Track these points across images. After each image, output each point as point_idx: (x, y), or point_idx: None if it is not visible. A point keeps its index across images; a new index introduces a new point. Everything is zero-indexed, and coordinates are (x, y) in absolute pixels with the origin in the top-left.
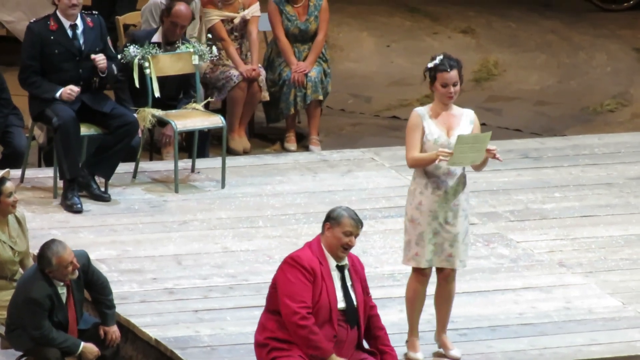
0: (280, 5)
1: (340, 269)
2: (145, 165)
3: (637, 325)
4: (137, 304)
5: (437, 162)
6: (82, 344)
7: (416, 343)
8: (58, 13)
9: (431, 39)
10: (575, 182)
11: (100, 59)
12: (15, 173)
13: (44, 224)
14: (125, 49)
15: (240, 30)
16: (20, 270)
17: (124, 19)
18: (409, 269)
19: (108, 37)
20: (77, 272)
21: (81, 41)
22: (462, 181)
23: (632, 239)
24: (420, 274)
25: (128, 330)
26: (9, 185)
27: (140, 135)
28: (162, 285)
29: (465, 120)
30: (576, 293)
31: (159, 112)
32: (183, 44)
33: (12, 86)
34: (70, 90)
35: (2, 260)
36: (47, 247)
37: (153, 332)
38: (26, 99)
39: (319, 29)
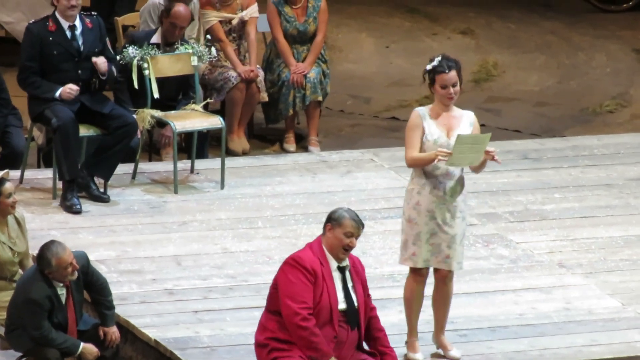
0: (279, 7)
1: (341, 270)
2: (145, 166)
3: (636, 325)
4: (136, 304)
5: (435, 161)
6: (82, 344)
7: (416, 344)
8: (57, 14)
9: (430, 39)
10: (575, 183)
11: (101, 61)
12: (15, 174)
13: (43, 224)
14: (124, 49)
15: (239, 31)
16: (20, 271)
17: (123, 19)
18: (408, 270)
19: (107, 38)
20: (76, 273)
21: (80, 42)
22: (460, 183)
23: (631, 240)
24: (417, 274)
25: (127, 331)
26: (8, 186)
27: (139, 136)
28: (162, 286)
29: (465, 121)
30: (576, 294)
31: (158, 113)
32: (182, 44)
33: (12, 87)
34: (70, 89)
35: (1, 261)
36: (46, 248)
37: (152, 333)
38: (25, 100)
39: (318, 30)
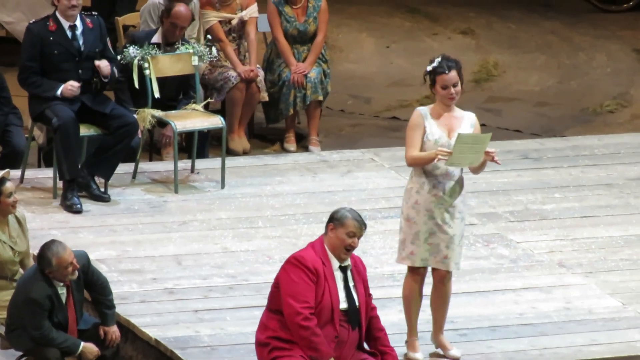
0: (279, 6)
1: (343, 269)
2: (145, 165)
3: (637, 325)
4: (137, 304)
5: (435, 161)
6: (82, 343)
7: (416, 343)
8: (57, 14)
9: (431, 39)
10: (575, 183)
11: (104, 65)
12: (15, 173)
13: (44, 224)
14: (124, 49)
15: (238, 31)
16: (21, 270)
17: (124, 19)
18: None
19: (107, 38)
20: (77, 273)
21: (80, 42)
22: (459, 183)
23: (632, 240)
24: (415, 273)
25: (128, 330)
26: (9, 185)
27: (140, 135)
28: (162, 286)
29: (466, 122)
30: (576, 293)
31: (158, 113)
32: (182, 44)
33: (12, 87)
34: (72, 86)
35: (2, 261)
36: (47, 247)
37: (153, 332)
38: (26, 99)
39: (318, 29)
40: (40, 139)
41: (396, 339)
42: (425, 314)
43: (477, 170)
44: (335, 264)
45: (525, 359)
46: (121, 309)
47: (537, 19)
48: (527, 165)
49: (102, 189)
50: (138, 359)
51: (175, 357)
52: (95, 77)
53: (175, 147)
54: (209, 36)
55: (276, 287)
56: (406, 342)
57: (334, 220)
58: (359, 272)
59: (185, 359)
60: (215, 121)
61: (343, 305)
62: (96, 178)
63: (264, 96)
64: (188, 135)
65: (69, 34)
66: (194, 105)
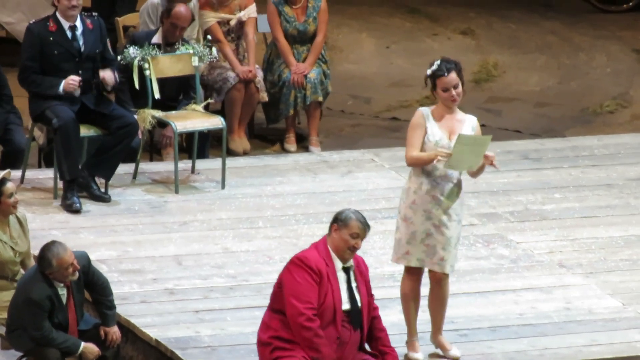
0: (279, 7)
1: (346, 270)
2: (146, 166)
3: (637, 325)
4: (137, 304)
5: (435, 162)
6: (83, 344)
7: (416, 343)
8: (58, 14)
9: (431, 40)
10: (575, 183)
11: (108, 76)
12: (16, 174)
13: (44, 224)
14: (125, 50)
15: (237, 32)
16: (22, 270)
17: (124, 20)
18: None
19: (107, 40)
20: (77, 274)
21: (81, 42)
22: (458, 186)
23: (632, 240)
24: (412, 273)
25: (128, 331)
26: (9, 186)
27: (140, 136)
28: (163, 286)
29: (467, 125)
30: (576, 294)
31: (159, 113)
32: (183, 45)
33: (12, 87)
34: (72, 80)
35: (3, 261)
36: (47, 248)
37: (153, 333)
38: (26, 100)
39: (318, 30)
40: (40, 139)
41: (397, 339)
42: (425, 314)
43: (475, 174)
44: (338, 264)
45: (525, 359)
46: (121, 309)
47: (537, 19)
48: (527, 165)
49: (103, 190)
50: (138, 359)
51: (176, 358)
52: (95, 79)
53: (176, 147)
54: (209, 36)
55: (279, 287)
56: (406, 342)
57: (338, 221)
58: (361, 272)
59: (186, 359)
60: (216, 122)
61: (345, 306)
62: (96, 178)
63: (264, 96)
64: (188, 136)
65: (69, 34)
66: (194, 106)
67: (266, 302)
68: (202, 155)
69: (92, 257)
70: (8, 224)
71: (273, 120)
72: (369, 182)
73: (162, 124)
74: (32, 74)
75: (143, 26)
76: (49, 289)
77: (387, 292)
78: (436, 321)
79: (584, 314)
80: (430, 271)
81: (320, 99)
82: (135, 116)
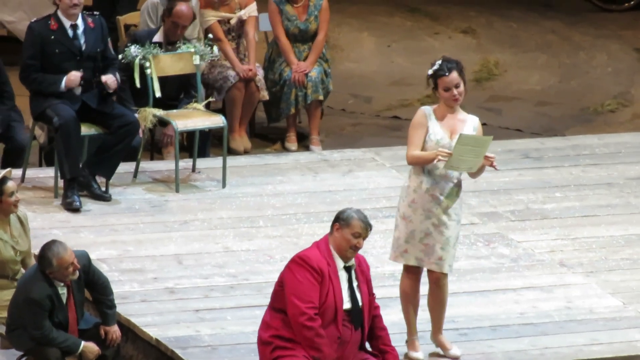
0: (280, 5)
1: (347, 269)
2: (146, 165)
3: (637, 325)
4: (137, 303)
5: (435, 162)
6: (83, 343)
7: (416, 342)
8: (59, 13)
9: (432, 39)
10: (576, 182)
11: (111, 81)
12: (16, 173)
13: (45, 223)
14: (126, 49)
15: (237, 31)
16: (22, 270)
17: (125, 19)
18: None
19: (109, 39)
20: (77, 273)
21: (82, 41)
22: (457, 186)
23: (632, 239)
24: (410, 272)
25: (129, 330)
26: (10, 184)
27: (141, 135)
28: (163, 285)
29: (469, 125)
30: (577, 293)
31: (160, 112)
32: (184, 43)
33: (13, 86)
34: (74, 76)
35: (4, 260)
36: (47, 248)
37: (154, 332)
38: (27, 99)
39: (319, 28)
40: (41, 138)
41: (397, 339)
42: (425, 314)
43: (474, 175)
44: (339, 264)
45: (526, 358)
46: (122, 309)
47: (538, 18)
48: (528, 164)
49: (103, 189)
50: (139, 358)
51: (176, 357)
52: (96, 77)
53: (177, 146)
54: (210, 35)
55: (280, 286)
56: (406, 341)
57: (340, 220)
58: (362, 271)
59: (186, 358)
60: (217, 120)
61: (346, 305)
62: (97, 177)
63: (264, 95)
64: (189, 135)
65: (70, 33)
66: (195, 105)
67: (267, 301)
68: (203, 154)
69: (92, 256)
70: (9, 223)
71: (274, 119)
72: (369, 181)
73: (163, 123)
74: (33, 73)
75: (143, 25)
76: (49, 288)
77: (387, 291)
78: (436, 321)
79: (585, 313)
80: (428, 271)
81: (321, 97)
82: (136, 115)
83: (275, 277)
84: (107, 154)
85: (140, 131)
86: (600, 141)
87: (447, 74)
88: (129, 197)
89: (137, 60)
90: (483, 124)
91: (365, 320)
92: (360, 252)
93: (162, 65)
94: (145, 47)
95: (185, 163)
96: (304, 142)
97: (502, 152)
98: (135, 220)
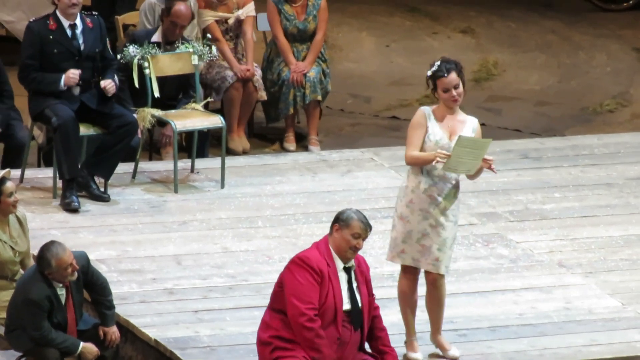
0: (279, 5)
1: (347, 270)
2: (145, 165)
3: (636, 325)
4: (136, 304)
5: (434, 163)
6: (82, 344)
7: (414, 343)
8: (58, 13)
9: (431, 38)
10: (575, 183)
11: (110, 86)
12: (15, 173)
13: (44, 224)
14: (124, 48)
15: (235, 31)
16: (21, 270)
17: (124, 18)
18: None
19: (107, 39)
20: (76, 274)
21: (80, 41)
22: (455, 187)
23: (631, 240)
24: (408, 272)
25: (127, 331)
26: (9, 185)
27: (139, 135)
28: (162, 286)
29: (468, 127)
30: (576, 293)
31: (158, 112)
32: (183, 43)
33: (12, 86)
34: (73, 74)
35: (2, 260)
36: (46, 249)
37: (152, 333)
38: (25, 99)
39: (318, 28)
40: (40, 138)
41: (396, 339)
42: (424, 314)
43: (472, 176)
44: (339, 264)
45: (525, 359)
46: (121, 309)
47: (537, 18)
48: (527, 164)
49: (102, 189)
50: (137, 359)
51: (175, 358)
52: (95, 78)
53: (175, 146)
54: (208, 35)
55: (280, 286)
56: (405, 342)
57: (340, 221)
58: (362, 272)
59: (185, 359)
60: (215, 121)
61: (346, 306)
62: (96, 178)
63: (262, 95)
64: (188, 135)
65: (69, 32)
66: (193, 105)
67: (266, 302)
68: (202, 154)
69: (91, 256)
70: (8, 224)
71: (273, 119)
72: (368, 182)
73: (161, 123)
74: (32, 72)
75: (141, 25)
76: (48, 289)
77: (386, 291)
78: (434, 321)
79: (584, 313)
80: (425, 272)
81: (320, 98)
82: (135, 115)
83: (274, 277)
84: (106, 154)
85: (139, 131)
86: (600, 141)
87: (445, 75)
88: (127, 197)
89: (135, 60)
90: (482, 124)
91: (364, 321)
92: (359, 252)
93: (161, 65)
94: (144, 47)
95: (184, 163)
96: (302, 143)
97: (501, 152)
98: (134, 221)
